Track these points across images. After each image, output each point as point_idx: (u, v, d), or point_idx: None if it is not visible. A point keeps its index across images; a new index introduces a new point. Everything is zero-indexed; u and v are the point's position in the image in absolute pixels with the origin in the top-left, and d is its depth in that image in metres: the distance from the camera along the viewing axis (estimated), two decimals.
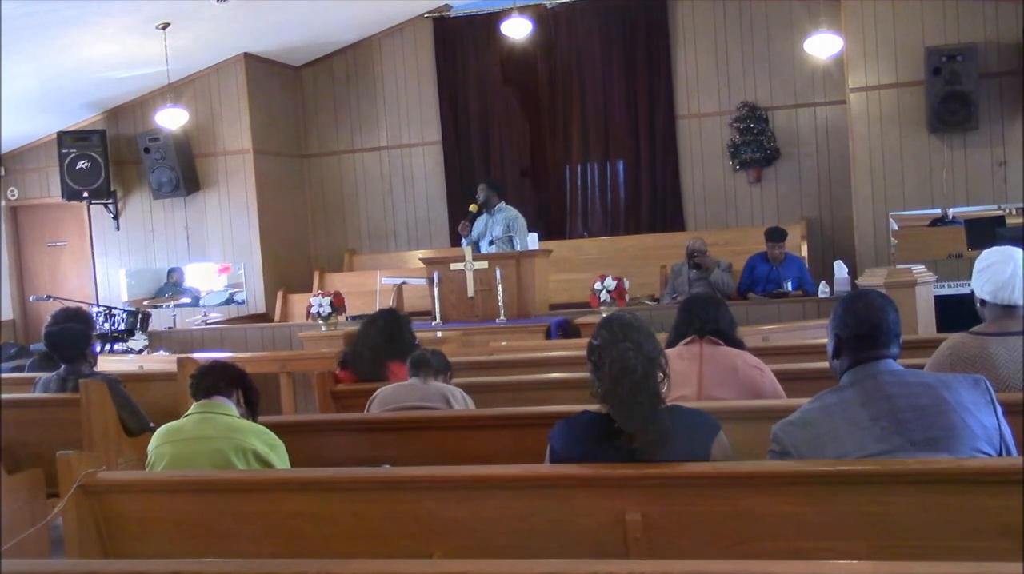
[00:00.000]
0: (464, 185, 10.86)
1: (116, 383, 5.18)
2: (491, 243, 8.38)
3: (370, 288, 9.20)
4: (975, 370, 3.19)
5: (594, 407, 2.77)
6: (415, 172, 11.12)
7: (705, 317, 3.77)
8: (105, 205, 10.76)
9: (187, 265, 10.53)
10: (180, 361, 5.73)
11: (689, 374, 3.58)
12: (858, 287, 6.99)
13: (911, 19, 8.82)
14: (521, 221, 8.40)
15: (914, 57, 8.77)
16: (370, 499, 2.84)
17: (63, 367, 5.33)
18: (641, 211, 10.51)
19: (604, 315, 3.10)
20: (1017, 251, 3.42)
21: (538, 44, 10.45)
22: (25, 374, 6.22)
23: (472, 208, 8.46)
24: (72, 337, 5.38)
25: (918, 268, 6.60)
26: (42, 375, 5.50)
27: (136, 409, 5.24)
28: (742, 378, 3.61)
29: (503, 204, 8.47)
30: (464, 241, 8.44)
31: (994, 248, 3.47)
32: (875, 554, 2.44)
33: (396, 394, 4.03)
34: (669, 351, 3.62)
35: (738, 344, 3.83)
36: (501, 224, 8.37)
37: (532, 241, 8.35)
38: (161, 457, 3.40)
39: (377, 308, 8.54)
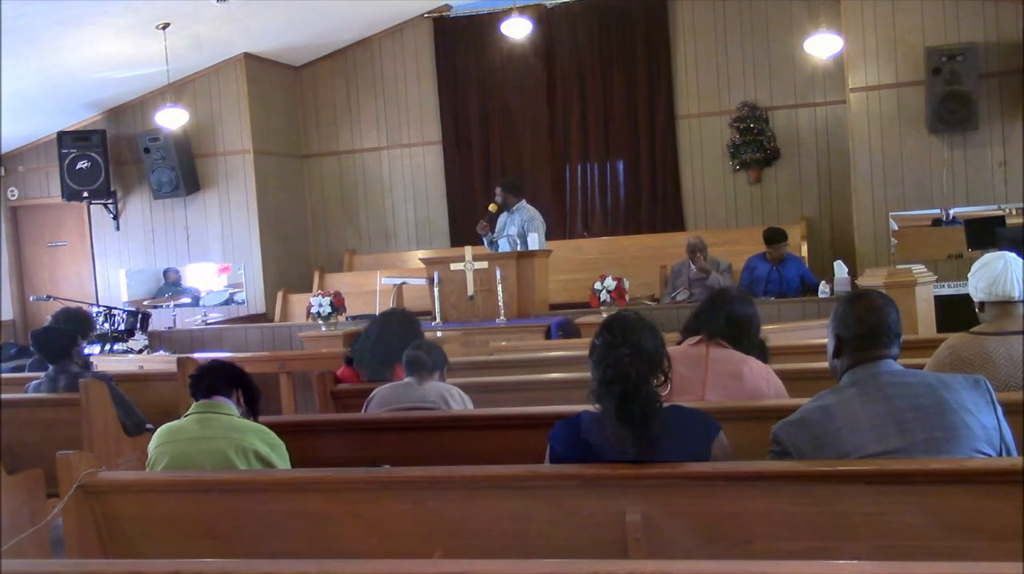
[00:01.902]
0: (464, 185, 10.87)
1: (109, 381, 5.19)
2: (499, 240, 8.39)
3: (370, 288, 9.19)
4: (975, 370, 3.20)
5: (594, 407, 2.77)
6: (415, 172, 11.12)
7: (723, 315, 3.66)
8: (105, 205, 10.76)
9: (187, 265, 10.53)
10: (180, 361, 5.74)
11: (693, 380, 3.54)
12: (858, 287, 6.98)
13: (911, 19, 8.82)
14: (537, 222, 8.39)
15: (914, 57, 8.78)
16: (370, 499, 2.84)
17: (51, 367, 5.33)
18: (641, 211, 10.51)
19: (610, 314, 3.05)
20: (1008, 253, 3.45)
21: (538, 44, 10.45)
22: (25, 374, 6.22)
23: (492, 208, 8.48)
24: (56, 337, 5.39)
25: (918, 268, 6.60)
26: (32, 379, 5.51)
27: (130, 407, 5.25)
28: (748, 387, 3.55)
29: (523, 203, 8.48)
30: (484, 239, 8.46)
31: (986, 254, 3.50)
32: (875, 554, 2.44)
33: (393, 395, 4.02)
34: (675, 350, 3.61)
35: (755, 346, 3.73)
36: (517, 224, 8.38)
37: (533, 241, 8.34)
38: (161, 457, 3.40)
39: (377, 308, 8.58)
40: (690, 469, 2.63)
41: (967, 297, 3.57)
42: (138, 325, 8.53)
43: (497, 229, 8.51)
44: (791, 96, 10.02)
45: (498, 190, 8.55)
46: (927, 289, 6.50)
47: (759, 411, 3.37)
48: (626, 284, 7.68)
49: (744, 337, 3.69)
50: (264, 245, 10.45)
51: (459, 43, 10.85)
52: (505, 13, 9.81)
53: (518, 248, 8.21)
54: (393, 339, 4.58)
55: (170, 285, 10.39)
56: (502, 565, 2.20)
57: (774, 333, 6.49)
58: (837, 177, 9.82)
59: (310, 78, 11.29)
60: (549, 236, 9.83)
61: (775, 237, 8.56)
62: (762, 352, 3.77)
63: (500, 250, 8.25)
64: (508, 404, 4.19)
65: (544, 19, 10.47)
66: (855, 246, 9.13)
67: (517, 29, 9.54)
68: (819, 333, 5.89)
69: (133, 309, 9.10)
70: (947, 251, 8.72)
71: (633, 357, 2.70)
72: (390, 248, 11.19)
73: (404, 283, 8.98)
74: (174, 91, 10.03)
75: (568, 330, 7.57)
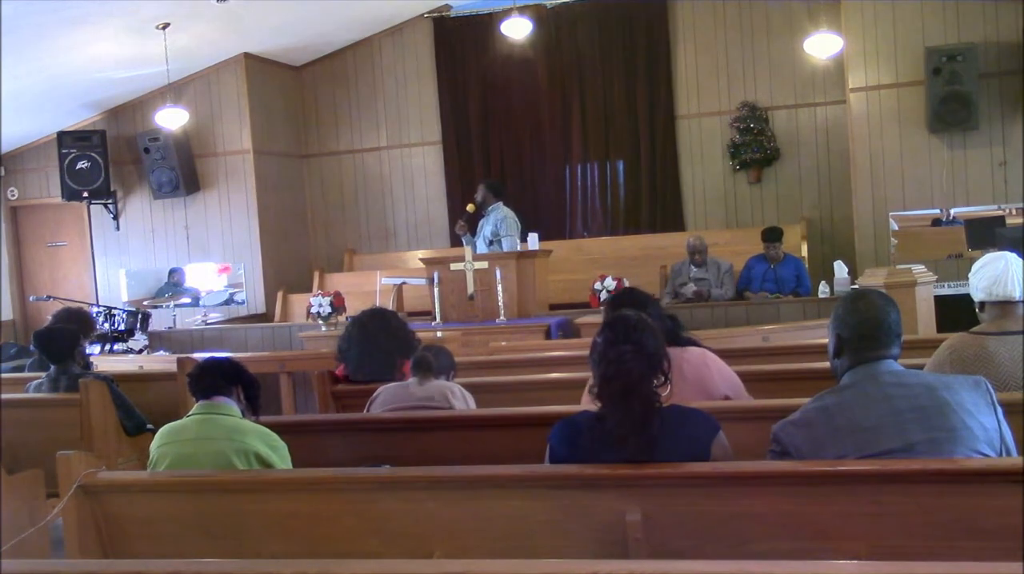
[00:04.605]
0: (464, 185, 10.85)
1: (110, 382, 5.19)
2: (490, 243, 8.40)
3: (370, 288, 9.19)
4: (975, 370, 3.20)
5: (594, 406, 2.77)
6: (415, 172, 11.12)
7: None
8: (105, 205, 10.76)
9: (187, 265, 10.53)
10: (180, 361, 5.73)
11: None
12: (858, 287, 6.98)
13: (911, 19, 8.82)
14: (510, 222, 8.39)
15: (914, 57, 8.77)
16: (370, 499, 2.84)
17: (52, 368, 5.33)
18: (641, 211, 10.51)
19: (612, 314, 3.02)
20: (1009, 253, 3.45)
21: (538, 44, 10.45)
22: (25, 374, 6.22)
23: (469, 208, 8.50)
24: (59, 338, 5.38)
25: (918, 268, 6.60)
26: (33, 379, 5.50)
27: (131, 408, 5.24)
28: (690, 379, 3.45)
29: (499, 205, 8.48)
30: (464, 240, 8.48)
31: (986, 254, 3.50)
32: (875, 554, 2.44)
33: (396, 394, 4.02)
34: None
35: (672, 334, 3.52)
36: (491, 224, 8.40)
37: (532, 241, 8.35)
38: (163, 457, 3.40)
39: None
40: (690, 469, 2.63)
41: (967, 297, 3.57)
42: (138, 325, 8.52)
43: (477, 230, 8.53)
44: (791, 96, 10.02)
45: (480, 187, 8.59)
46: (927, 289, 6.50)
47: (759, 411, 3.37)
48: (626, 284, 7.68)
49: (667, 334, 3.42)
50: (264, 245, 10.45)
51: (459, 43, 10.85)
52: (505, 13, 9.81)
53: (503, 248, 8.21)
54: (376, 339, 4.56)
55: (171, 285, 10.39)
56: (502, 565, 2.20)
57: (774, 333, 6.53)
58: (837, 177, 9.82)
59: (310, 78, 11.29)
60: (549, 236, 9.85)
61: (769, 236, 8.59)
62: (674, 330, 3.59)
63: (477, 251, 8.24)
64: (508, 404, 4.19)
65: (544, 19, 10.47)
66: (855, 246, 9.13)
67: (517, 29, 9.53)
68: (819, 333, 5.89)
69: (133, 309, 9.10)
70: (947, 251, 8.72)
71: (635, 355, 2.70)
72: (390, 248, 11.19)
73: (404, 283, 8.99)
74: (174, 91, 10.03)
75: (568, 330, 7.57)
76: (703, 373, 3.53)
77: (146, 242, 10.81)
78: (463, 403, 3.99)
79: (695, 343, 3.70)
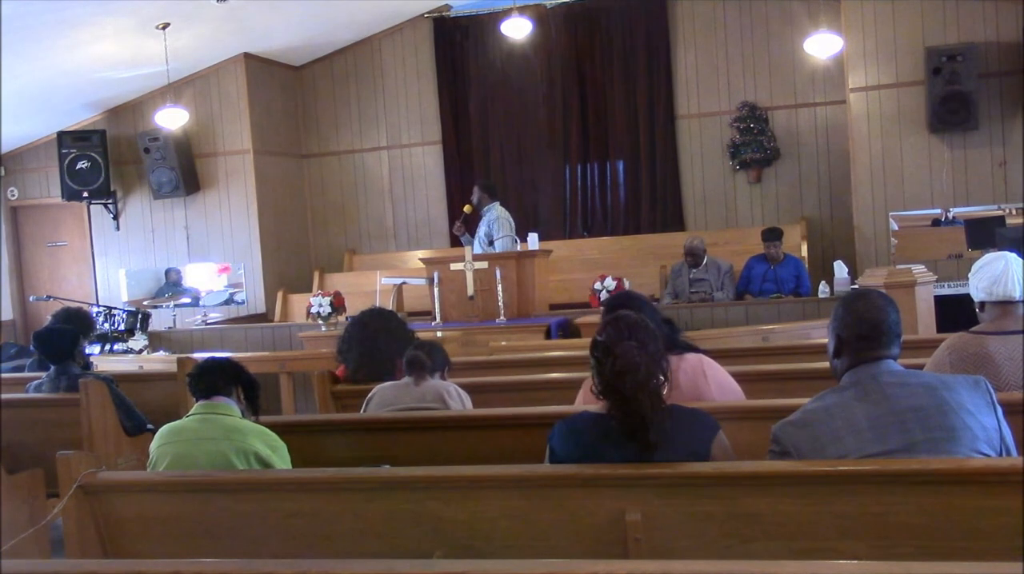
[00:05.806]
0: (464, 185, 10.85)
1: (110, 383, 5.19)
2: (489, 243, 8.41)
3: (370, 288, 9.19)
4: (975, 369, 3.20)
5: (599, 403, 2.77)
6: (415, 172, 11.11)
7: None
8: (105, 205, 10.76)
9: (187, 265, 10.53)
10: (180, 361, 5.74)
11: None
12: (858, 287, 6.98)
13: (911, 19, 8.82)
14: (503, 222, 8.41)
15: (914, 57, 8.77)
16: (370, 499, 2.84)
17: (52, 368, 5.33)
18: (641, 211, 10.50)
19: (613, 314, 2.98)
20: (1009, 253, 3.45)
21: (538, 44, 10.45)
22: (25, 374, 6.22)
23: (466, 209, 8.53)
24: (59, 338, 5.39)
25: (918, 268, 6.60)
26: (33, 379, 5.51)
27: (131, 408, 5.25)
28: (684, 389, 3.38)
29: (494, 205, 8.52)
30: (462, 241, 8.51)
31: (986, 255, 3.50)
32: (875, 554, 2.44)
33: (392, 395, 4.02)
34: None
35: (670, 338, 3.36)
36: (485, 225, 8.42)
37: (532, 241, 8.35)
38: (163, 457, 3.40)
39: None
40: (690, 469, 2.63)
41: (967, 297, 3.58)
42: (138, 325, 8.53)
43: (475, 231, 8.57)
44: (791, 96, 10.02)
45: (475, 188, 8.64)
46: (927, 289, 6.50)
47: (759, 411, 3.37)
48: (626, 284, 7.69)
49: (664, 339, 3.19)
50: (264, 245, 10.44)
51: (459, 43, 10.85)
52: (505, 13, 9.80)
53: (495, 249, 8.23)
54: (376, 340, 4.56)
55: (170, 285, 10.39)
56: (502, 565, 2.20)
57: (774, 333, 6.53)
58: (837, 177, 9.82)
59: (310, 78, 11.28)
60: (550, 236, 9.86)
61: (769, 236, 8.60)
62: (671, 334, 3.43)
63: (474, 251, 8.26)
64: (508, 404, 4.19)
65: (544, 19, 10.46)
66: (855, 246, 9.13)
67: (517, 29, 9.53)
68: (819, 333, 5.90)
69: (133, 309, 9.10)
70: (947, 251, 8.72)
71: (640, 350, 2.71)
72: (390, 248, 11.19)
73: (404, 283, 8.98)
74: (174, 91, 10.02)
75: (568, 330, 7.57)
76: (698, 383, 3.46)
77: (146, 242, 10.81)
78: (459, 403, 3.99)
79: (693, 348, 3.60)
